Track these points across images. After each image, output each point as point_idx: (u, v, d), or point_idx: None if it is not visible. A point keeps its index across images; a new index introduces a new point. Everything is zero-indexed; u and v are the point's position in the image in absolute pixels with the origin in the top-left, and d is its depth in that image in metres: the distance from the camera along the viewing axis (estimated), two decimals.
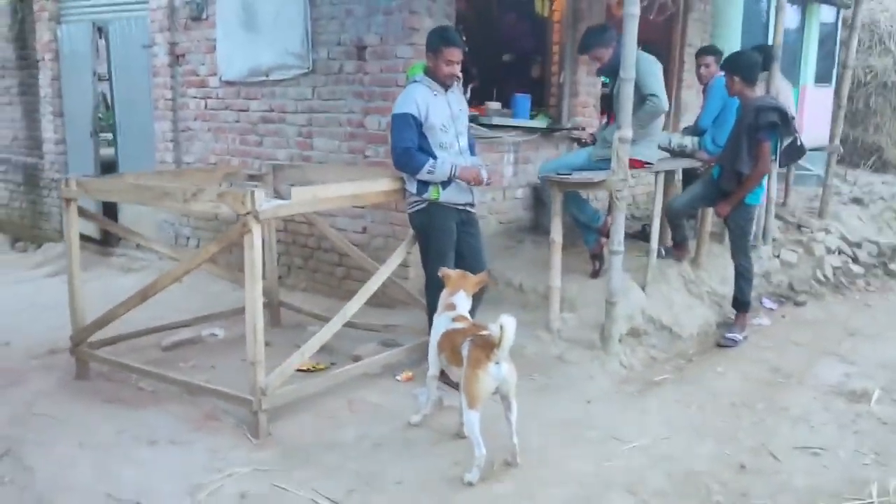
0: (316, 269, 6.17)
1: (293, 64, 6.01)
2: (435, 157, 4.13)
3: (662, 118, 5.10)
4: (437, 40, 4.14)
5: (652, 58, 4.87)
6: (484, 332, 3.32)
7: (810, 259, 6.93)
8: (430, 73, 4.21)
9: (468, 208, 4.34)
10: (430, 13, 5.39)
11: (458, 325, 3.60)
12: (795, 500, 3.27)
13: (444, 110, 4.19)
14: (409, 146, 4.10)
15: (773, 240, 6.88)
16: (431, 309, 4.30)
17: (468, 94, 6.23)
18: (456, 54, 4.12)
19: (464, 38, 8.44)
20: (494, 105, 6.57)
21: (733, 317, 5.41)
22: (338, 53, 5.72)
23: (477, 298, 4.00)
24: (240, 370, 4.09)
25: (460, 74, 4.18)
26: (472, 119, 6.04)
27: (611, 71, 4.79)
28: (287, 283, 6.31)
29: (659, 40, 8.62)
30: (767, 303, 6.16)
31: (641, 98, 4.72)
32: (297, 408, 4.00)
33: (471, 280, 3.80)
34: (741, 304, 5.33)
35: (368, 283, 4.27)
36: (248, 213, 3.51)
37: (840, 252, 7.13)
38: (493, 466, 3.40)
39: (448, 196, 4.19)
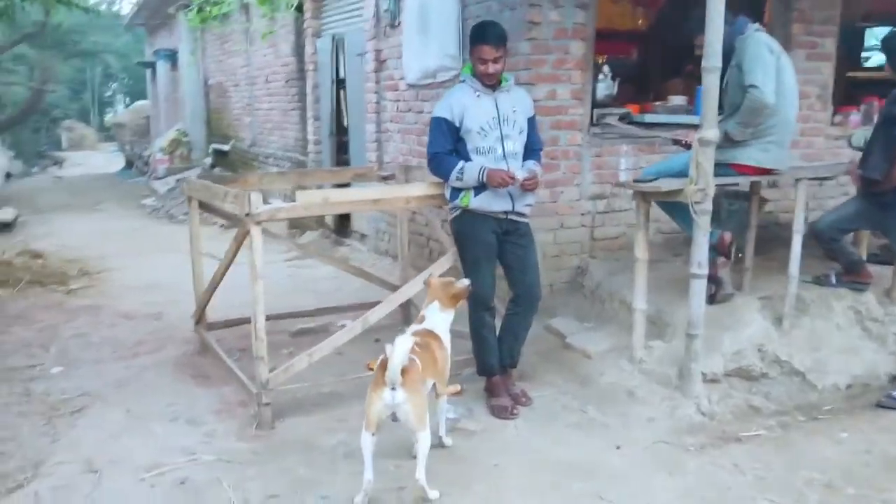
0: None
1: (450, 65, 6.00)
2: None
3: (794, 114, 4.05)
4: (470, 37, 3.86)
5: (765, 39, 3.90)
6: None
7: None
8: (474, 72, 3.94)
9: (512, 217, 3.96)
10: (554, 4, 4.99)
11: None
12: None
13: (486, 112, 3.87)
14: (439, 151, 3.90)
15: None
16: (471, 321, 4.07)
17: (615, 89, 5.64)
18: (487, 52, 3.78)
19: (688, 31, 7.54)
20: (678, 99, 5.86)
21: None
22: None
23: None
24: (329, 363, 4.31)
25: (493, 71, 3.82)
26: (623, 117, 5.48)
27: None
28: None
29: None
30: None
31: (745, 90, 3.83)
32: (320, 406, 4.08)
33: (448, 292, 3.52)
34: None
35: (402, 289, 4.17)
36: (246, 215, 3.68)
37: None
38: None
39: (481, 203, 3.87)
